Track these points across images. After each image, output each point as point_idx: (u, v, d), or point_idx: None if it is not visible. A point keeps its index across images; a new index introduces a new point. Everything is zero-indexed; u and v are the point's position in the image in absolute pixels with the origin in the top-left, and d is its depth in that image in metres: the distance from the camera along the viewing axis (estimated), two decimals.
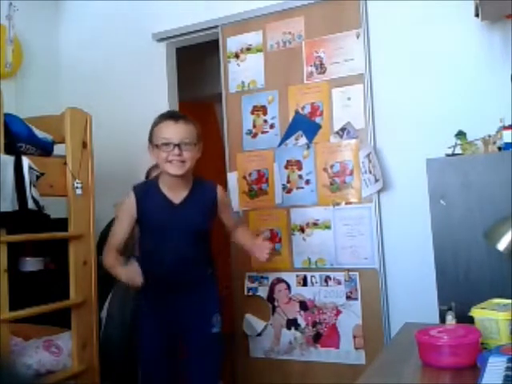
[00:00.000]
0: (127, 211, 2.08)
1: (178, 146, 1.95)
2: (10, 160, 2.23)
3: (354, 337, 2.56)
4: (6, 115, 2.35)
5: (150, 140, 2.05)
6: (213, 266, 2.17)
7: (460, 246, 1.96)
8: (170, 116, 2.05)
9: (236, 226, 2.26)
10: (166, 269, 2.03)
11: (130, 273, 2.00)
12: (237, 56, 2.87)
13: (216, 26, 2.92)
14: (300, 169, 2.69)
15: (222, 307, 2.18)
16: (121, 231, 2.10)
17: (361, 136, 2.57)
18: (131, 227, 2.10)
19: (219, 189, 2.16)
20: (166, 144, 1.96)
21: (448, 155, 2.10)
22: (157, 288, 2.07)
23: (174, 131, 1.98)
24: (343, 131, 2.61)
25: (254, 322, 2.78)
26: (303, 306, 2.67)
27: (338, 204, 2.61)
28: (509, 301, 1.45)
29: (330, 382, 2.54)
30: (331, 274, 2.61)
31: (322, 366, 2.60)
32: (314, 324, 2.64)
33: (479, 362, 1.19)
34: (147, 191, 2.09)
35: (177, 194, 2.06)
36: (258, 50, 2.82)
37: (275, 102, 2.77)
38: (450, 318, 1.57)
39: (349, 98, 2.60)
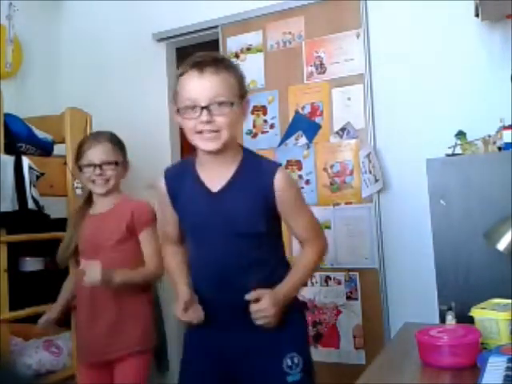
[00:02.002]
0: (161, 204, 1.57)
1: (207, 108, 1.34)
2: (10, 160, 2.23)
3: (354, 337, 2.56)
4: (6, 115, 2.36)
5: (174, 102, 1.45)
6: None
7: (460, 246, 1.96)
8: (193, 64, 1.38)
9: (306, 241, 1.52)
10: (208, 288, 1.45)
11: (190, 308, 1.42)
12: (237, 56, 2.87)
13: (216, 26, 2.92)
14: (300, 169, 2.69)
15: None
16: (168, 225, 1.59)
17: (361, 136, 2.57)
18: (176, 217, 1.55)
19: (280, 173, 1.43)
20: (191, 107, 1.36)
21: (448, 155, 2.10)
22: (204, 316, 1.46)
23: (198, 87, 1.35)
24: (343, 131, 2.61)
25: None
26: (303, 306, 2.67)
27: (337, 204, 2.61)
28: (509, 301, 1.45)
29: (330, 381, 2.54)
30: (331, 274, 2.61)
31: (322, 366, 2.59)
32: (314, 324, 2.64)
33: (479, 362, 1.18)
34: (182, 174, 1.52)
35: (215, 179, 1.44)
36: (258, 50, 2.82)
37: (275, 102, 2.77)
38: (450, 318, 1.56)
39: (349, 98, 2.60)
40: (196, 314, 1.43)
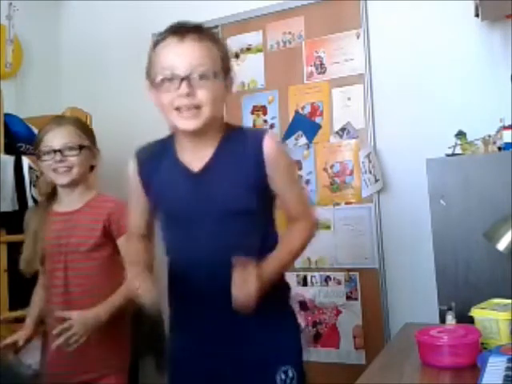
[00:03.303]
0: (132, 187, 1.38)
1: (187, 79, 1.18)
2: (10, 160, 2.24)
3: (354, 337, 2.56)
4: (6, 115, 2.36)
5: (148, 75, 1.27)
6: (282, 276, 1.35)
7: (460, 246, 1.96)
8: (172, 30, 1.23)
9: (296, 218, 1.33)
10: (190, 283, 1.28)
11: (144, 283, 1.21)
12: (237, 56, 2.87)
13: (216, 26, 2.91)
14: (300, 169, 2.69)
15: None
16: (135, 215, 1.42)
17: (361, 136, 2.57)
18: (147, 206, 1.37)
19: (269, 138, 1.28)
20: (169, 79, 1.20)
21: (448, 155, 2.10)
22: (183, 315, 1.34)
23: (177, 55, 1.20)
24: (343, 131, 2.61)
25: None
26: (303, 306, 2.66)
27: (337, 204, 2.61)
28: (509, 301, 1.45)
29: (329, 381, 2.54)
30: (331, 274, 2.61)
31: (322, 366, 2.59)
32: (314, 324, 2.64)
33: (479, 362, 1.18)
34: (157, 154, 1.35)
35: (196, 157, 1.29)
36: (258, 50, 2.82)
37: (275, 102, 2.77)
38: (450, 318, 1.57)
39: (349, 98, 2.60)
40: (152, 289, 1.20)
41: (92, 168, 1.84)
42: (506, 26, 2.28)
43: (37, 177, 2.29)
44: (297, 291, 2.68)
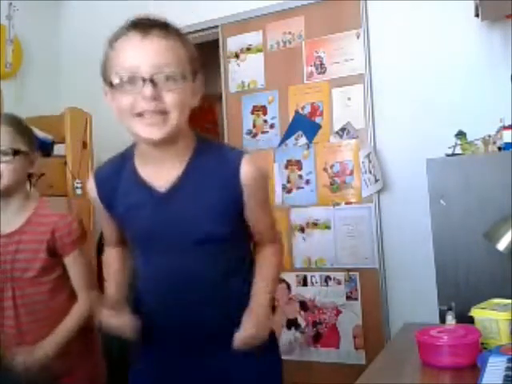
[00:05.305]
0: (97, 208, 1.25)
1: (151, 81, 1.02)
2: None
3: (354, 337, 2.56)
4: None
5: (104, 76, 1.13)
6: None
7: (460, 246, 1.96)
8: (134, 25, 1.10)
9: (265, 241, 1.25)
10: (163, 312, 1.17)
11: (121, 320, 1.15)
12: (237, 56, 2.87)
13: (216, 26, 2.92)
14: (300, 169, 2.69)
15: None
16: (105, 228, 1.30)
17: (361, 136, 2.57)
18: (115, 223, 1.25)
19: (247, 162, 1.12)
20: (130, 81, 1.03)
21: (448, 155, 2.10)
22: (154, 350, 1.22)
23: (140, 53, 1.05)
24: (343, 131, 2.61)
25: None
26: (303, 305, 2.67)
27: (337, 204, 2.61)
28: (509, 301, 1.45)
29: (330, 382, 2.54)
30: (331, 274, 2.61)
31: (322, 366, 2.59)
32: (314, 324, 2.64)
33: (479, 362, 1.18)
34: (117, 174, 1.17)
35: (162, 175, 1.12)
36: (258, 50, 2.83)
37: (275, 102, 2.77)
38: (450, 318, 1.56)
39: (349, 98, 2.60)
40: (129, 322, 1.14)
41: (30, 176, 1.59)
42: (506, 26, 2.28)
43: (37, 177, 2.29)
44: (297, 291, 2.69)
